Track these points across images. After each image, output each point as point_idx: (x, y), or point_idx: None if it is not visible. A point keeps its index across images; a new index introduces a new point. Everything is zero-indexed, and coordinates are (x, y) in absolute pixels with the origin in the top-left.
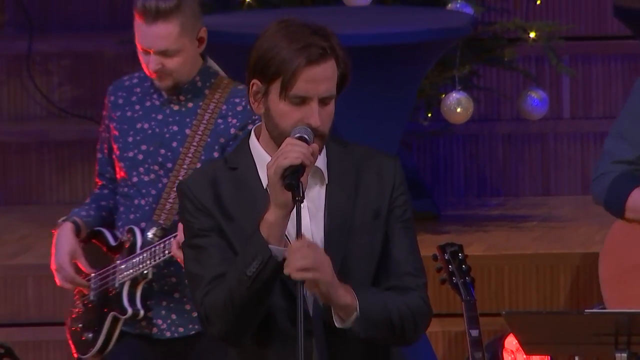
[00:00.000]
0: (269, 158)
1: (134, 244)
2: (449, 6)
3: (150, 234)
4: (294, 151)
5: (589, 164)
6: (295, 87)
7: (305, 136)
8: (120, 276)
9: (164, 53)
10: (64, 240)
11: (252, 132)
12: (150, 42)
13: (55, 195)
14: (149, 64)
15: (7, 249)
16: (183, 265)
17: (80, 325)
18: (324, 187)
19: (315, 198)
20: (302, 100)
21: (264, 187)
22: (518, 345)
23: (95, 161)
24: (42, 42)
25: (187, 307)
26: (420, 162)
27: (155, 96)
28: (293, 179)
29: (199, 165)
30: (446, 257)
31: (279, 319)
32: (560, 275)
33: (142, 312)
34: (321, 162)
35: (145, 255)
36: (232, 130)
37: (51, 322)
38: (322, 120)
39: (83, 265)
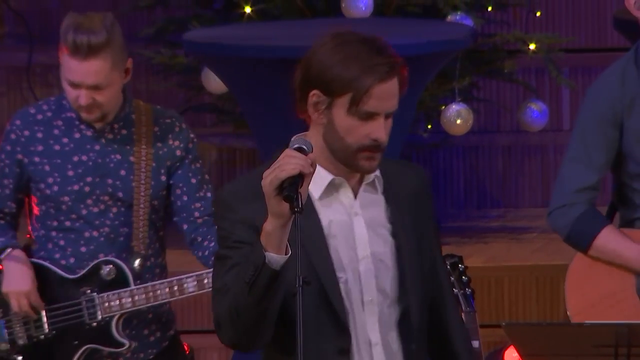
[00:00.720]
0: (318, 167)
1: (122, 277)
2: (449, 18)
3: (136, 265)
4: (290, 163)
5: None
6: (366, 103)
7: (304, 147)
8: (105, 308)
9: (95, 87)
10: (25, 266)
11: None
12: (82, 78)
13: None
14: (80, 98)
15: None
16: None
17: (23, 357)
18: (379, 197)
19: (372, 209)
20: (370, 116)
21: (312, 198)
22: (518, 357)
23: None
24: (42, 54)
25: (145, 332)
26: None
27: (83, 127)
28: (291, 191)
29: (151, 191)
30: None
31: (311, 331)
32: (560, 287)
33: (133, 344)
34: (376, 172)
35: (146, 289)
36: (178, 152)
37: None
38: (387, 135)
39: (36, 299)
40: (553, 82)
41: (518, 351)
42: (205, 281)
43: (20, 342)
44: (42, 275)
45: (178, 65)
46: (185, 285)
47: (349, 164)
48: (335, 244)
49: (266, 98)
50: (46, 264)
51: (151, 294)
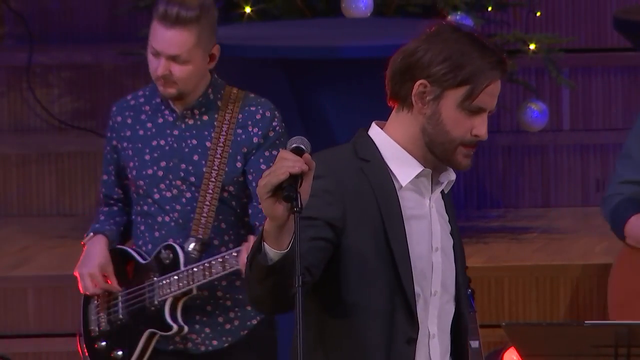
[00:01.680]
0: (406, 154)
1: (175, 260)
2: (449, 18)
3: (190, 249)
4: (282, 167)
5: (589, 176)
6: (481, 98)
7: (302, 146)
8: (160, 293)
9: (174, 58)
10: (97, 251)
11: (375, 125)
12: (164, 46)
13: (55, 206)
14: (158, 68)
15: (7, 261)
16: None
17: (104, 342)
18: (440, 195)
19: (439, 205)
20: (479, 111)
21: (396, 184)
22: (518, 359)
23: (100, 183)
24: (42, 54)
25: (220, 319)
26: None
27: (167, 112)
28: (291, 191)
29: (224, 177)
30: None
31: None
32: (560, 287)
33: (186, 328)
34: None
35: (193, 271)
36: (255, 139)
37: (51, 333)
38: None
39: (112, 280)
40: (553, 82)
41: (518, 351)
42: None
43: (104, 327)
44: (124, 261)
45: None
46: (229, 258)
47: (446, 158)
48: (414, 232)
49: (266, 98)
50: (129, 249)
51: (197, 269)
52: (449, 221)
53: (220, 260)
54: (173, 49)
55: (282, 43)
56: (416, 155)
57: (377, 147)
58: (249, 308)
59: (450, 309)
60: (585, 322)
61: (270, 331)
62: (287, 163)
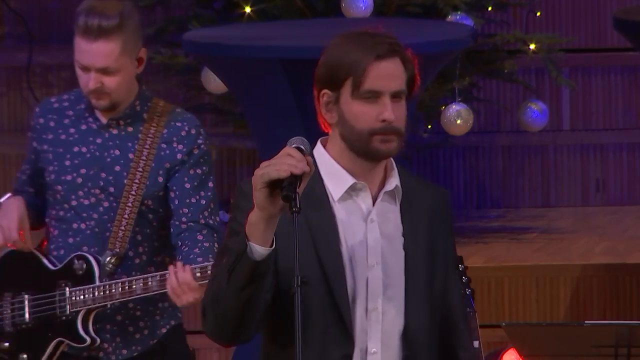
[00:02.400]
0: (339, 168)
1: (90, 272)
2: (449, 18)
3: (107, 262)
4: (284, 164)
5: (589, 176)
6: (366, 82)
7: (302, 147)
8: (73, 302)
9: (103, 71)
10: (16, 206)
11: (319, 143)
12: (92, 60)
13: None
14: (89, 82)
15: None
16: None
17: (7, 343)
18: (396, 206)
19: (388, 216)
20: (375, 97)
21: (330, 199)
22: None
23: (15, 179)
24: (42, 54)
25: (130, 329)
26: (420, 174)
27: (90, 119)
28: (290, 190)
29: (144, 190)
30: None
31: (318, 335)
32: (560, 287)
33: (98, 341)
34: (397, 181)
35: (110, 286)
36: (179, 156)
37: None
38: (396, 117)
39: (27, 239)
40: (553, 82)
41: (518, 351)
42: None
43: (7, 328)
44: (30, 264)
45: (178, 65)
46: (151, 281)
47: (367, 153)
48: (348, 248)
49: (266, 98)
50: (36, 252)
51: (127, 294)
52: (405, 234)
53: (142, 282)
54: (101, 61)
55: (282, 43)
56: (349, 168)
57: (316, 165)
58: (157, 318)
59: (397, 325)
60: (585, 322)
61: (180, 341)
62: (291, 161)
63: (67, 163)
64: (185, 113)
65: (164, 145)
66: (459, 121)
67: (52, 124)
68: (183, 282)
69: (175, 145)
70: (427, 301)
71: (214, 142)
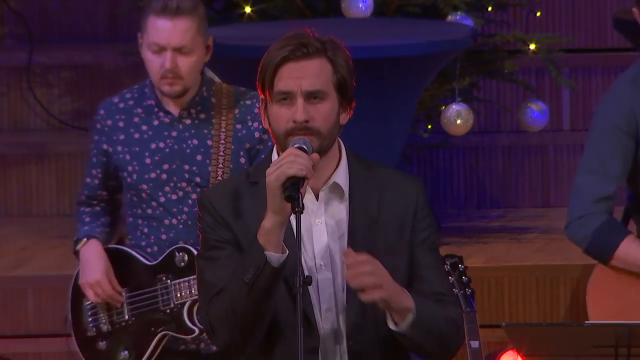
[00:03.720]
0: None
1: (191, 262)
2: (449, 18)
3: None
4: (298, 162)
5: None
6: (277, 84)
7: (304, 147)
8: (178, 295)
9: (180, 50)
10: (97, 256)
11: (274, 149)
12: (169, 38)
13: (55, 206)
14: (165, 62)
15: (8, 261)
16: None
17: (106, 343)
18: (344, 204)
19: (334, 215)
20: (289, 98)
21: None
22: None
23: (82, 185)
24: (42, 54)
25: None
26: (420, 174)
27: (161, 114)
28: (293, 190)
29: (229, 174)
30: (446, 269)
31: (284, 331)
32: (560, 287)
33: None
34: (342, 178)
35: None
36: (257, 134)
37: (51, 334)
38: (313, 117)
39: (114, 284)
40: (553, 82)
41: (518, 351)
42: None
43: (104, 328)
44: (125, 262)
45: None
46: None
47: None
48: (303, 249)
49: None
50: (130, 250)
51: None
52: (354, 230)
53: None
54: (179, 38)
55: None
56: None
57: None
58: None
59: (345, 322)
60: (585, 322)
61: None
62: (302, 161)
63: (148, 161)
64: (250, 91)
65: (238, 126)
66: (459, 121)
67: (121, 124)
68: None
69: (250, 123)
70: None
71: None
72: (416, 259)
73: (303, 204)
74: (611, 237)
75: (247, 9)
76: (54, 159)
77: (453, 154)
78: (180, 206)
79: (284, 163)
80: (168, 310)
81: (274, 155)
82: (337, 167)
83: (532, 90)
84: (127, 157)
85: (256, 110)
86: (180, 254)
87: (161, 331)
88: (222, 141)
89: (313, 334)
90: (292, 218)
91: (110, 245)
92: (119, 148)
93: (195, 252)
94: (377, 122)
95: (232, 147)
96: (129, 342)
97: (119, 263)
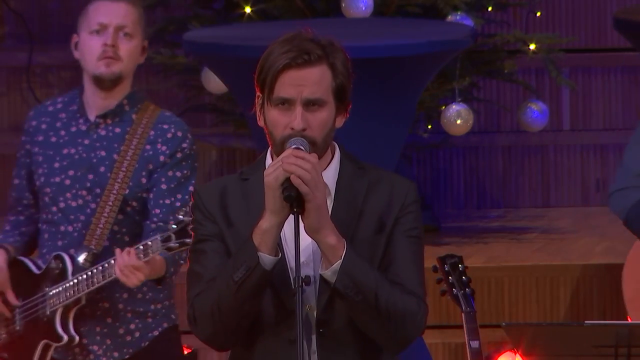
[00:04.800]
0: None
1: (64, 270)
2: (449, 18)
3: (81, 260)
4: (297, 162)
5: (589, 176)
6: (276, 89)
7: (302, 147)
8: (51, 302)
9: (121, 29)
10: None
11: (268, 151)
12: (112, 16)
13: None
14: (107, 39)
15: None
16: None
17: (5, 354)
18: (329, 200)
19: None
20: (287, 104)
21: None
22: None
23: (11, 187)
24: (42, 54)
25: (121, 331)
26: (420, 174)
27: (81, 121)
28: (292, 190)
29: (127, 191)
30: (446, 269)
31: (266, 325)
32: (560, 287)
33: (77, 338)
34: (330, 177)
35: (78, 280)
36: (162, 158)
37: None
38: (310, 126)
39: (10, 298)
40: (553, 82)
41: (518, 351)
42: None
43: (4, 339)
44: (20, 272)
45: (178, 65)
46: (108, 267)
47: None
48: (288, 246)
49: None
50: (25, 259)
51: (82, 279)
52: (338, 228)
53: (101, 269)
54: (121, 17)
55: None
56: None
57: (265, 166)
58: (150, 320)
59: (315, 319)
60: (585, 322)
61: (174, 343)
62: (303, 164)
63: (56, 165)
64: (174, 117)
65: (148, 147)
66: (459, 121)
67: (43, 126)
68: (128, 264)
69: (159, 146)
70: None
71: (214, 142)
72: (390, 247)
73: (302, 205)
74: None
75: (247, 9)
76: None
77: (453, 154)
78: (78, 214)
79: (284, 163)
80: (45, 319)
81: (267, 156)
82: (327, 167)
83: (532, 90)
84: (40, 158)
85: (169, 135)
86: (56, 261)
87: (41, 340)
88: (128, 157)
89: (295, 326)
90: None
91: (17, 257)
92: (36, 149)
93: (68, 260)
94: (377, 122)
95: (136, 165)
96: (19, 352)
97: (18, 272)
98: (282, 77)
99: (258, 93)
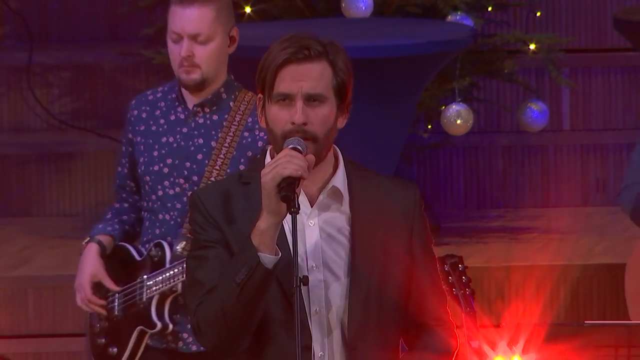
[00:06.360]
0: None
1: (162, 258)
2: (449, 18)
3: (179, 248)
4: (293, 163)
5: (588, 176)
6: (276, 84)
7: (299, 147)
8: (148, 290)
9: (195, 38)
10: (87, 261)
11: (268, 151)
12: (184, 25)
13: (55, 206)
14: (181, 50)
15: (8, 261)
16: None
17: (103, 339)
18: (344, 208)
19: (332, 219)
20: (288, 100)
21: None
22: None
23: (116, 174)
24: (42, 54)
25: None
26: (420, 174)
27: (179, 109)
28: (289, 191)
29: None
30: (446, 269)
31: (276, 331)
32: (560, 287)
33: (170, 326)
34: (340, 182)
35: (176, 269)
36: (260, 144)
37: (51, 334)
38: (311, 121)
39: (108, 284)
40: (553, 82)
41: (517, 351)
42: None
43: (103, 324)
44: (122, 259)
45: None
46: None
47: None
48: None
49: None
50: (128, 246)
51: (179, 267)
52: (352, 234)
53: None
54: (193, 25)
55: None
56: None
57: (264, 166)
58: None
59: (337, 325)
60: (585, 322)
61: None
62: (297, 161)
63: (155, 154)
64: None
65: (246, 134)
66: (459, 121)
67: (144, 115)
68: None
69: (257, 132)
70: (375, 300)
71: None
72: (416, 271)
73: (299, 205)
74: None
75: (247, 9)
76: (54, 159)
77: (453, 154)
78: (175, 202)
79: (280, 164)
80: (141, 305)
81: (267, 157)
82: (335, 172)
83: (532, 90)
84: (142, 147)
85: None
86: (156, 249)
87: (137, 326)
88: (226, 145)
89: (306, 333)
90: (287, 219)
91: (119, 243)
92: (138, 138)
93: (167, 248)
94: (377, 122)
95: (234, 152)
96: (117, 338)
97: (120, 258)
98: (282, 73)
99: (259, 94)
